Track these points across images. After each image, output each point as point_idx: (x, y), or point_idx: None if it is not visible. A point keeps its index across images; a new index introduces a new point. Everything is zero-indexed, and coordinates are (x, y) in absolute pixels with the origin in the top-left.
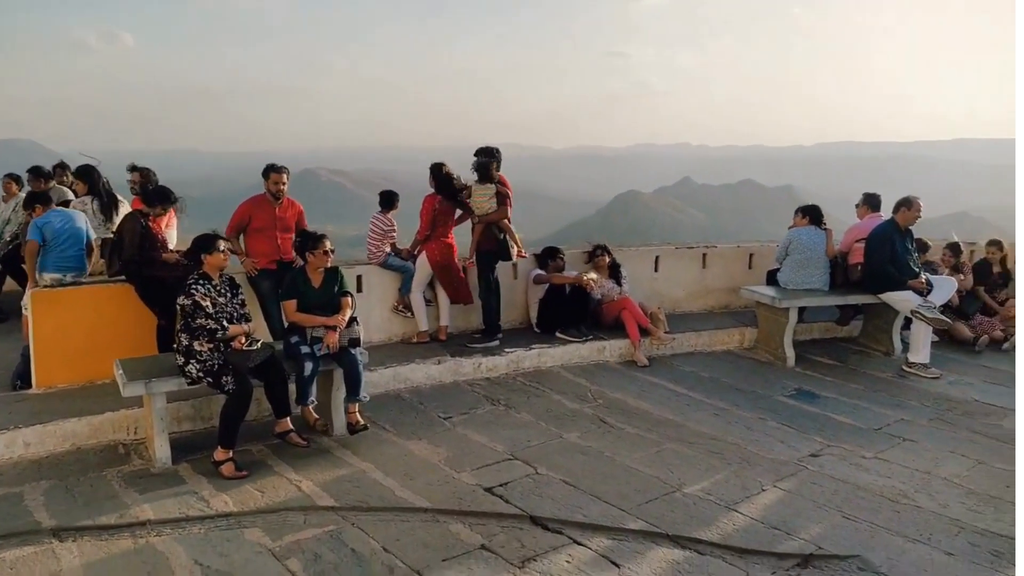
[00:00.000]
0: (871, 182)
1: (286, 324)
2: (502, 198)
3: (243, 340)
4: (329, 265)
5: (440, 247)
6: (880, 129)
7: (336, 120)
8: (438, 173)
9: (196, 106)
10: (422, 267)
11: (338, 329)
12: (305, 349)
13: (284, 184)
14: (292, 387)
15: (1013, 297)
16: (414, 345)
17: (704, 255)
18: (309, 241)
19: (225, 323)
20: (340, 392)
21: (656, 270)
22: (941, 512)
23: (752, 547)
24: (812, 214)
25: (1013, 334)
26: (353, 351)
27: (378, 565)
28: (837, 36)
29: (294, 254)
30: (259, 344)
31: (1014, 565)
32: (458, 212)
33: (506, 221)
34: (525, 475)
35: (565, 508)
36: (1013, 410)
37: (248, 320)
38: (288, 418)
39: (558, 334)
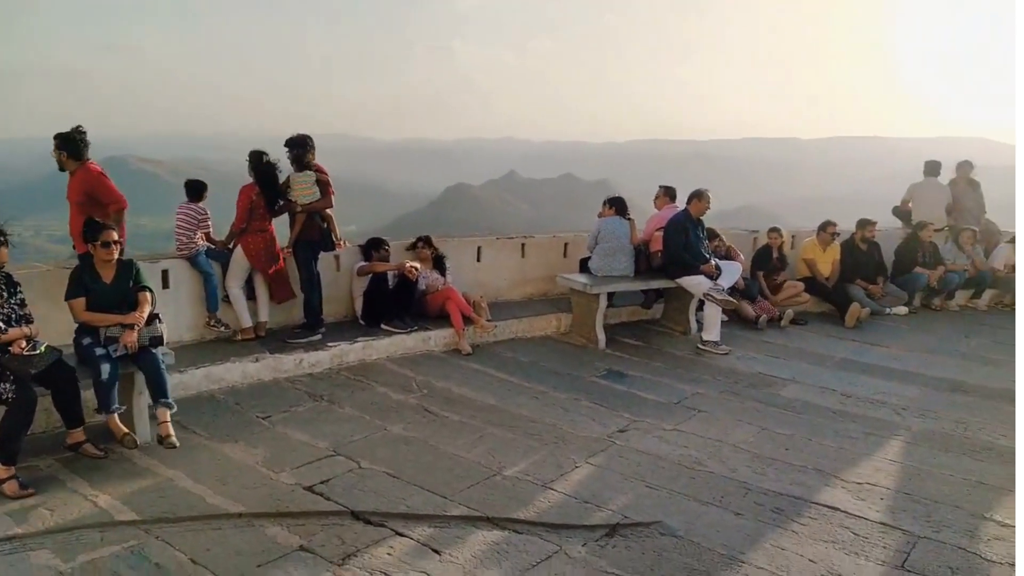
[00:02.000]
0: (675, 177)
1: (75, 325)
2: (324, 186)
3: (23, 344)
4: (116, 258)
5: (257, 240)
6: (683, 128)
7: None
8: (258, 162)
9: None
10: (239, 261)
11: (136, 327)
12: (100, 351)
13: (54, 153)
14: (89, 395)
15: (790, 279)
16: (229, 343)
17: (523, 245)
18: (90, 231)
19: (2, 325)
20: (143, 397)
21: (479, 260)
22: (731, 476)
23: (565, 522)
24: (617, 205)
25: (784, 314)
26: (154, 351)
27: None
28: (646, 42)
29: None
30: (43, 348)
31: (793, 519)
32: (279, 202)
33: (328, 210)
34: (348, 470)
35: (388, 500)
36: (790, 380)
37: (29, 321)
38: (82, 428)
39: (383, 326)
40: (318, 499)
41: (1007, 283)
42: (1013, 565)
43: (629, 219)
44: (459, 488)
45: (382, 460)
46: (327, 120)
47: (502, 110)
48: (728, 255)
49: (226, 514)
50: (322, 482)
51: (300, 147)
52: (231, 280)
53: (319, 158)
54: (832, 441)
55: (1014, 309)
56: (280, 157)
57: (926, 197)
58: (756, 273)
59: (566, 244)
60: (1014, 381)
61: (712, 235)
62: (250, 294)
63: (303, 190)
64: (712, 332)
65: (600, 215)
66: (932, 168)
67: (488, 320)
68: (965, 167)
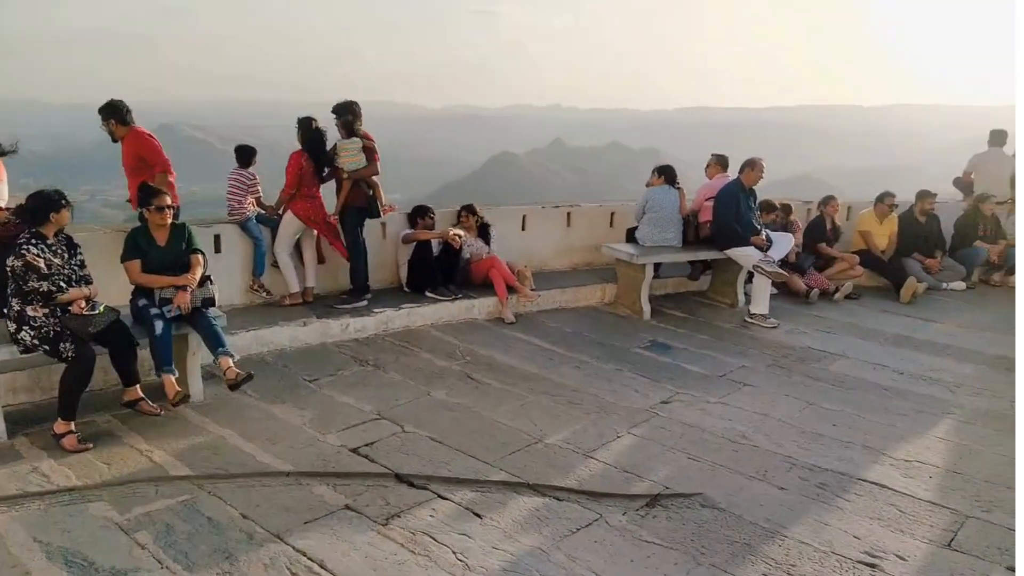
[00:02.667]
0: (727, 146)
1: (131, 287)
2: (370, 153)
3: (83, 304)
4: (170, 222)
5: (307, 205)
6: (736, 96)
7: (193, 73)
8: (307, 128)
9: (29, 55)
10: (288, 225)
11: (189, 288)
12: (155, 311)
13: (104, 126)
14: (144, 354)
15: (839, 254)
16: (278, 308)
17: (568, 214)
18: (144, 196)
19: (63, 285)
20: (196, 358)
21: (523, 229)
22: (775, 450)
23: (606, 491)
24: (667, 174)
25: (841, 286)
26: (206, 311)
27: (236, 532)
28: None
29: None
30: (101, 308)
31: (838, 495)
32: (326, 169)
33: (375, 177)
34: (392, 434)
35: (431, 464)
36: (840, 355)
37: (89, 282)
38: (138, 386)
39: (428, 293)
40: (363, 461)
41: None
42: None
43: (678, 188)
44: (501, 454)
45: (426, 425)
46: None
47: (549, 77)
48: (788, 227)
49: (275, 472)
50: (367, 444)
51: (348, 113)
52: (280, 246)
53: (365, 125)
54: (881, 418)
55: None
56: (328, 124)
57: (989, 168)
58: (811, 245)
59: (612, 213)
60: None
61: (770, 207)
62: (298, 261)
63: (349, 157)
64: (760, 305)
65: (648, 184)
66: (998, 138)
67: (532, 289)
68: None
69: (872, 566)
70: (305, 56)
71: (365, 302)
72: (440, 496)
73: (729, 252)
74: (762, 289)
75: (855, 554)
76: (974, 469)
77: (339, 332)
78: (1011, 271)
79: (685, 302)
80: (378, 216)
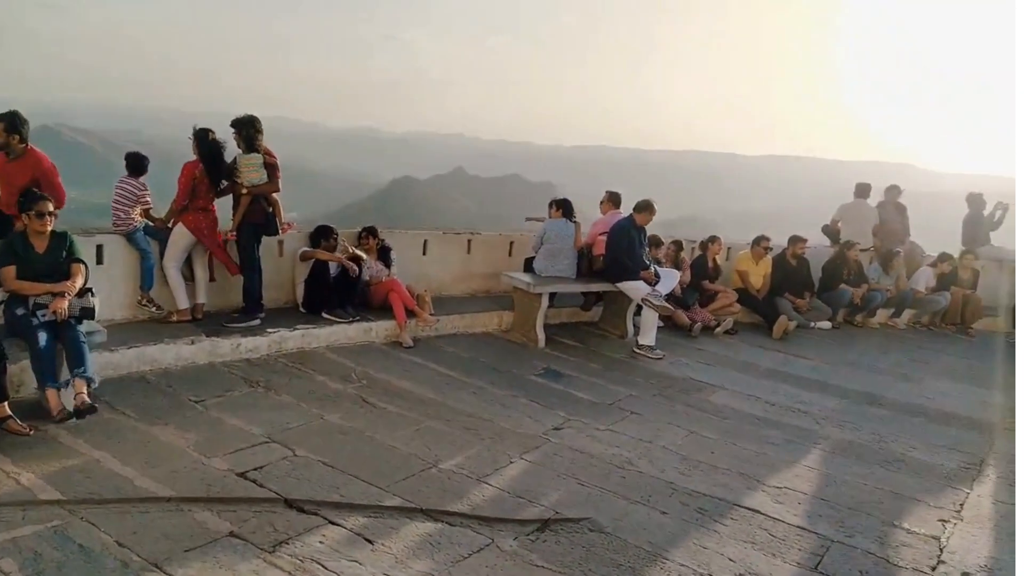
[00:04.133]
0: (619, 184)
1: (4, 295)
2: (272, 169)
3: None
4: (49, 230)
5: (199, 218)
6: (628, 136)
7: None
8: (204, 139)
9: None
10: (179, 239)
11: (67, 295)
12: (35, 321)
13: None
14: (15, 369)
15: (722, 289)
16: (165, 324)
17: (469, 241)
18: (25, 201)
19: None
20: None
21: (424, 254)
22: (659, 476)
23: (498, 515)
24: (564, 207)
25: (723, 321)
26: (79, 326)
27: (110, 560)
28: (599, 46)
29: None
30: None
31: (715, 520)
32: (223, 183)
33: (275, 195)
34: (282, 458)
35: (322, 489)
36: (719, 386)
37: None
38: (6, 403)
39: (324, 315)
40: (250, 485)
41: (926, 304)
42: (917, 570)
43: (575, 222)
44: (394, 479)
45: (318, 449)
46: (271, 100)
47: (454, 106)
48: (677, 264)
49: (154, 497)
50: (255, 469)
51: (250, 127)
52: (169, 260)
53: (265, 140)
54: (755, 446)
55: (930, 328)
56: (226, 137)
57: (855, 217)
58: (693, 282)
59: (512, 243)
60: (927, 397)
61: (656, 242)
62: (188, 276)
63: (250, 172)
64: (648, 337)
65: (545, 218)
66: (862, 190)
67: (431, 314)
68: (893, 191)
69: None
70: (201, 65)
71: (258, 321)
72: (331, 522)
73: (620, 285)
74: (650, 322)
75: None
76: (838, 496)
77: (229, 351)
78: (872, 313)
79: (578, 332)
80: (276, 234)
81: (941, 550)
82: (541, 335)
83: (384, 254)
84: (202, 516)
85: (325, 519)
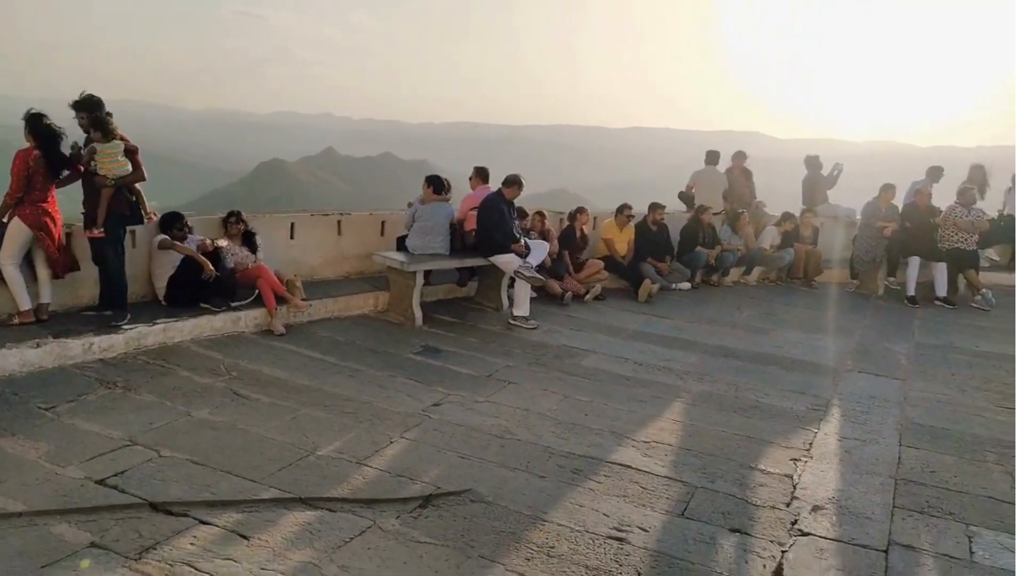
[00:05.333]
0: (492, 160)
1: None
2: (133, 156)
3: None
4: None
5: (36, 211)
6: (498, 112)
7: None
8: (38, 125)
9: None
10: (16, 234)
11: None
12: None
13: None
14: None
15: (592, 257)
16: (5, 328)
17: (339, 222)
18: None
19: None
20: None
21: (292, 238)
22: (536, 442)
23: (379, 496)
24: (435, 184)
25: (592, 288)
26: None
27: None
28: (465, 23)
29: None
30: None
31: (590, 478)
32: (65, 172)
33: (138, 184)
34: (146, 460)
35: (191, 489)
36: (591, 351)
37: None
38: None
39: (202, 305)
40: (112, 492)
41: (772, 260)
42: (774, 507)
43: (446, 198)
44: (270, 471)
45: (185, 447)
46: (119, 84)
47: (320, 85)
48: (544, 236)
49: (3, 514)
50: (116, 474)
51: (97, 108)
52: (6, 257)
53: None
54: (625, 405)
55: (778, 283)
56: (65, 123)
57: (706, 183)
58: (562, 252)
59: (383, 222)
60: (777, 347)
61: (521, 213)
62: (30, 274)
63: (113, 162)
64: (522, 308)
65: (421, 200)
66: (712, 157)
67: (302, 299)
68: (739, 157)
69: (620, 540)
70: (31, 41)
71: (128, 316)
72: (202, 522)
73: (492, 259)
74: (523, 293)
75: (605, 530)
76: (701, 445)
77: (80, 353)
78: (726, 272)
79: (455, 307)
80: (142, 223)
81: (794, 487)
82: (418, 313)
83: (249, 239)
84: (59, 529)
85: (196, 519)
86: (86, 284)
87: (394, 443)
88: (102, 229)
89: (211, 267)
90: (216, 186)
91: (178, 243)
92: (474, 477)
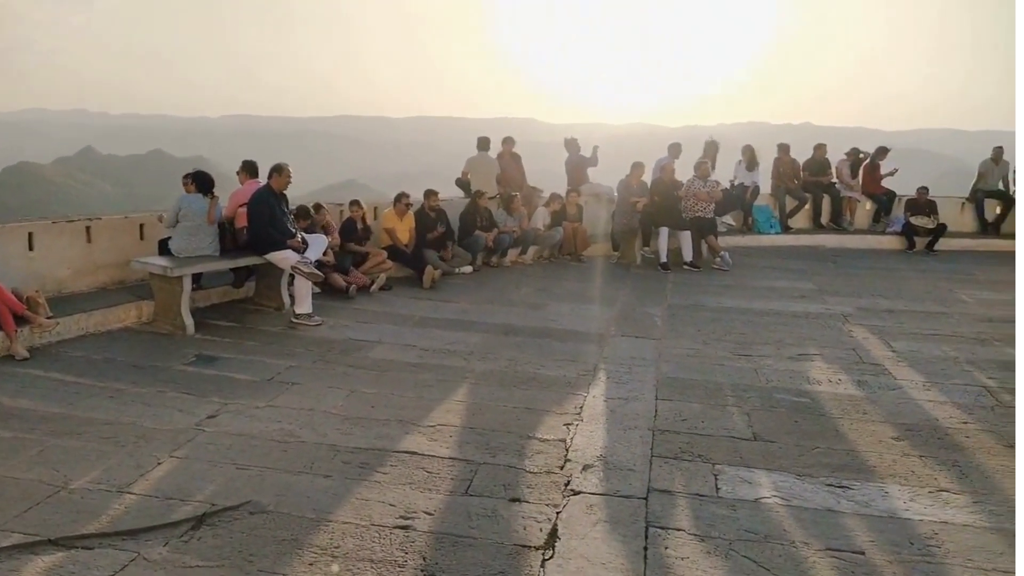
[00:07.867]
0: (273, 153)
1: None
2: None
3: None
4: None
5: None
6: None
7: None
8: None
9: None
10: None
11: None
12: None
13: None
14: None
15: (375, 245)
16: None
17: (88, 228)
18: None
19: None
20: None
21: (31, 249)
22: (321, 441)
23: (144, 525)
24: (199, 180)
25: (377, 279)
26: None
27: None
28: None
29: None
30: None
31: (376, 471)
32: None
33: None
34: None
35: None
36: (377, 342)
37: None
38: None
39: None
40: None
41: (545, 239)
42: (549, 472)
43: (213, 195)
44: (12, 514)
45: None
46: None
47: (69, 79)
48: (324, 229)
49: None
50: None
51: None
52: None
53: None
54: (412, 392)
55: (551, 260)
56: None
57: (479, 169)
58: (345, 245)
59: (142, 225)
60: (551, 320)
61: (305, 213)
62: None
63: None
64: (304, 305)
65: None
66: (483, 143)
67: (48, 317)
68: (509, 142)
69: (405, 528)
70: None
71: None
72: None
73: (268, 256)
74: (304, 290)
75: (391, 520)
76: (483, 422)
77: None
78: (504, 254)
79: (232, 311)
80: None
81: (567, 450)
82: (189, 321)
83: None
84: None
85: None
86: None
87: (162, 464)
88: None
89: None
90: None
91: None
92: (254, 488)
